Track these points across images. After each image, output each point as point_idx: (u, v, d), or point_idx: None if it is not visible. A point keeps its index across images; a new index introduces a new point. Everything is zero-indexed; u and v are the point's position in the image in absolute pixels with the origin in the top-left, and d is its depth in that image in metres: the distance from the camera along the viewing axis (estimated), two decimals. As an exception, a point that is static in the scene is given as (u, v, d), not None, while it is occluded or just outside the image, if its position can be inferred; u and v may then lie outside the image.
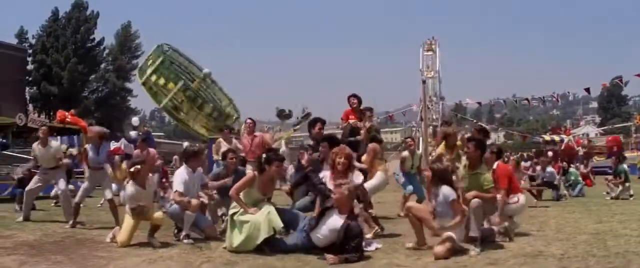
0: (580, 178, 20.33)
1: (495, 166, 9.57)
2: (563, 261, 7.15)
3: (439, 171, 8.12)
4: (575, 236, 9.20)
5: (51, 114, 49.80)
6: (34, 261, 7.38)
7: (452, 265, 7.07)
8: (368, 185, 9.40)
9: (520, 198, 9.75)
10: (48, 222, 11.31)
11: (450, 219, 7.86)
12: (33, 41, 66.18)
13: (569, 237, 9.16)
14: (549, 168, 18.49)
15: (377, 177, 9.95)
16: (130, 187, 8.88)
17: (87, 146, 11.88)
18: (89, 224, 11.19)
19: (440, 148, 11.74)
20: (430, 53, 51.92)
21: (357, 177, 8.66)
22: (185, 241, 8.84)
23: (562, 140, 48.06)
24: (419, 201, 12.25)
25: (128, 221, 8.78)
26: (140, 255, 7.80)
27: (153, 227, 8.77)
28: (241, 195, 8.40)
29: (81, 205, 11.55)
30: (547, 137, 55.70)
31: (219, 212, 10.80)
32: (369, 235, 9.05)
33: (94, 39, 67.73)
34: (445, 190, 7.95)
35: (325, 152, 9.20)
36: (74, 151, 19.94)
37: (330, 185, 8.29)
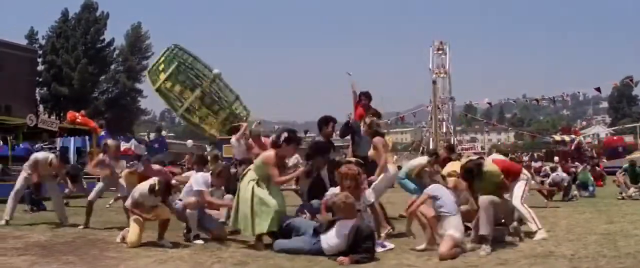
0: (591, 179, 20.23)
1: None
2: (573, 261, 7.13)
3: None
4: (585, 236, 9.18)
5: (62, 114, 49.89)
6: (45, 262, 7.40)
7: (462, 266, 7.07)
8: (373, 188, 9.42)
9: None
10: (59, 223, 11.32)
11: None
12: (43, 42, 66.47)
13: (579, 237, 9.14)
14: (559, 172, 18.43)
15: (385, 173, 9.93)
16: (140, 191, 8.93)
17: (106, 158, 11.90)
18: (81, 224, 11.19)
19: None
20: (440, 51, 52.01)
21: (370, 195, 8.65)
22: (195, 241, 8.86)
23: (572, 140, 48.06)
24: None
25: (134, 221, 8.81)
26: (151, 255, 7.81)
27: (162, 225, 8.78)
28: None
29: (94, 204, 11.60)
30: (557, 137, 55.70)
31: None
32: (382, 234, 9.06)
33: (104, 39, 67.99)
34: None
35: (319, 164, 9.24)
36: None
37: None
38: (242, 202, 8.51)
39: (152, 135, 25.27)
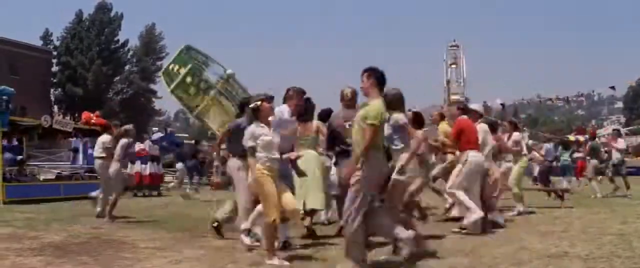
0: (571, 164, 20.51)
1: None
2: (588, 262, 7.11)
3: (390, 96, 7.72)
4: (600, 237, 9.14)
5: (76, 115, 50.16)
6: (60, 262, 7.44)
7: (477, 265, 7.05)
8: None
9: (470, 155, 9.78)
10: (74, 223, 11.38)
11: (399, 143, 7.75)
12: (58, 43, 66.71)
13: (594, 237, 9.11)
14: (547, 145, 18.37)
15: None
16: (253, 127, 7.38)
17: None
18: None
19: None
20: (453, 67, 51.94)
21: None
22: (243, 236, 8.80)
23: (586, 141, 47.90)
24: None
25: (266, 190, 7.16)
26: (166, 256, 7.84)
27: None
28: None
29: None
30: (571, 138, 55.43)
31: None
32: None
33: (118, 40, 68.16)
34: (396, 115, 7.77)
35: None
36: None
37: None
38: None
39: (157, 135, 25.10)
